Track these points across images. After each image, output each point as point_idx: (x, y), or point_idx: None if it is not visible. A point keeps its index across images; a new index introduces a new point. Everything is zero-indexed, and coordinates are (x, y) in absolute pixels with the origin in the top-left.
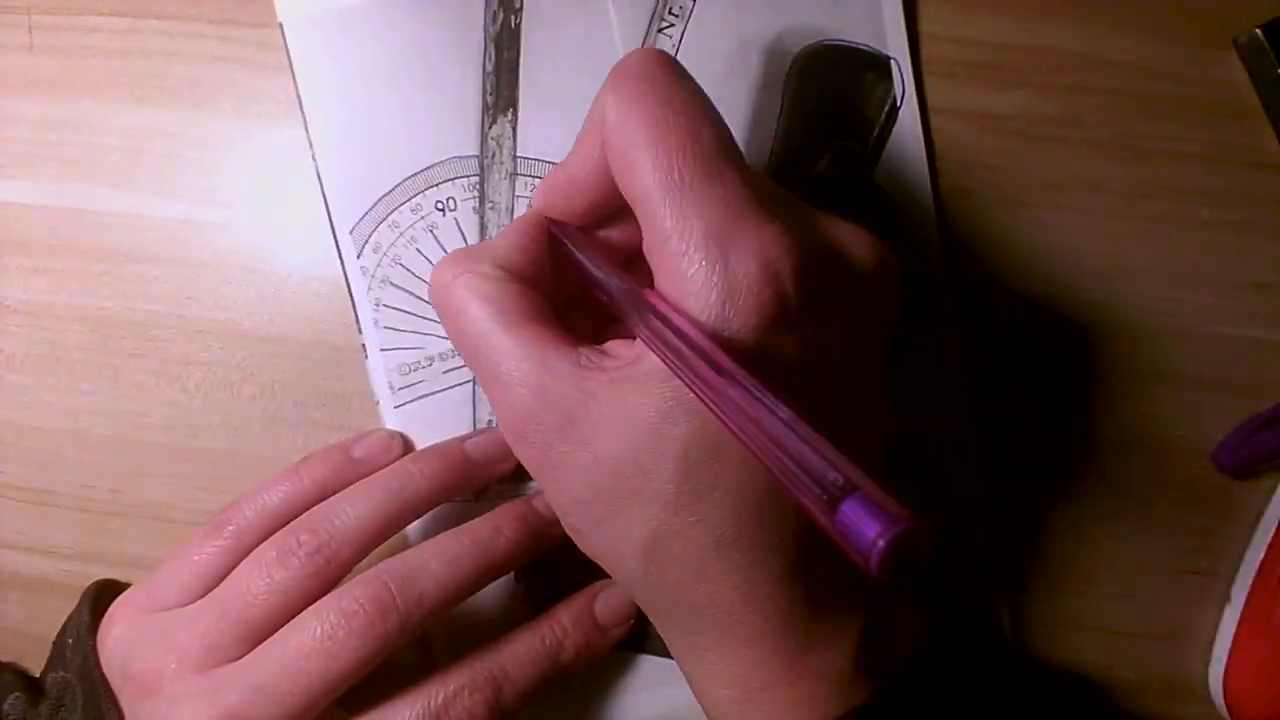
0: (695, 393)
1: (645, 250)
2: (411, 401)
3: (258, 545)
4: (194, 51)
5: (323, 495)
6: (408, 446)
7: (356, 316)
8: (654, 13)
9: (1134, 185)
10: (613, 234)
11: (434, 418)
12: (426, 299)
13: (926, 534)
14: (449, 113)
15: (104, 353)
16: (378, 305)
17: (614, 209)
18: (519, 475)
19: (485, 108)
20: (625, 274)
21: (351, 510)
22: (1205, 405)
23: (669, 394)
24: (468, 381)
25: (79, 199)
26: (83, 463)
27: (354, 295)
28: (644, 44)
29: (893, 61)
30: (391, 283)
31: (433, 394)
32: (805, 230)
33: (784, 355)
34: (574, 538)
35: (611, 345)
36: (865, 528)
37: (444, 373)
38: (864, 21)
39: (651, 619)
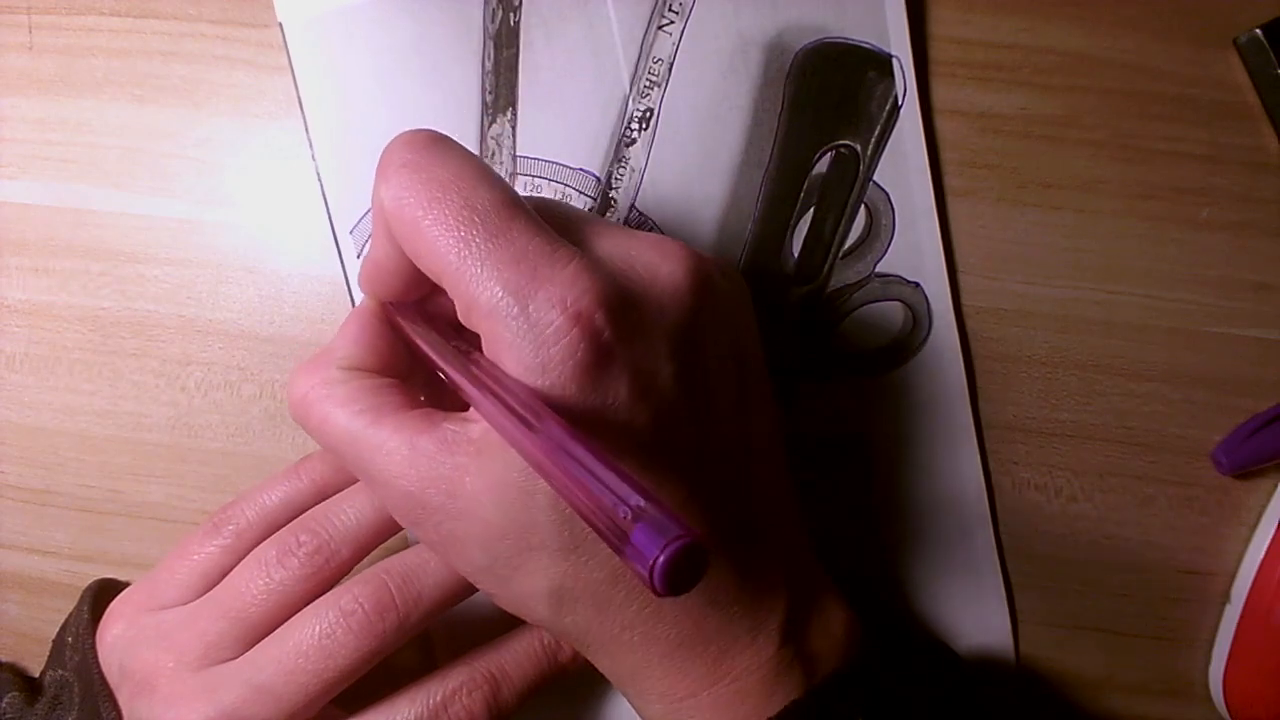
0: (517, 449)
1: (461, 320)
2: None
3: (257, 545)
4: (194, 51)
5: (322, 495)
6: None
7: None
8: (653, 10)
9: (1134, 185)
10: (445, 301)
11: None
12: None
13: (702, 548)
14: (448, 112)
15: (104, 353)
16: None
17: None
18: None
19: (484, 107)
20: (459, 340)
21: (351, 510)
22: (1205, 405)
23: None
24: None
25: (79, 199)
26: (83, 463)
27: (354, 296)
28: (644, 42)
29: (894, 60)
30: None
31: None
32: (606, 263)
33: (615, 390)
34: (490, 599)
35: (473, 411)
36: (647, 551)
37: None
38: (865, 19)
39: (580, 652)
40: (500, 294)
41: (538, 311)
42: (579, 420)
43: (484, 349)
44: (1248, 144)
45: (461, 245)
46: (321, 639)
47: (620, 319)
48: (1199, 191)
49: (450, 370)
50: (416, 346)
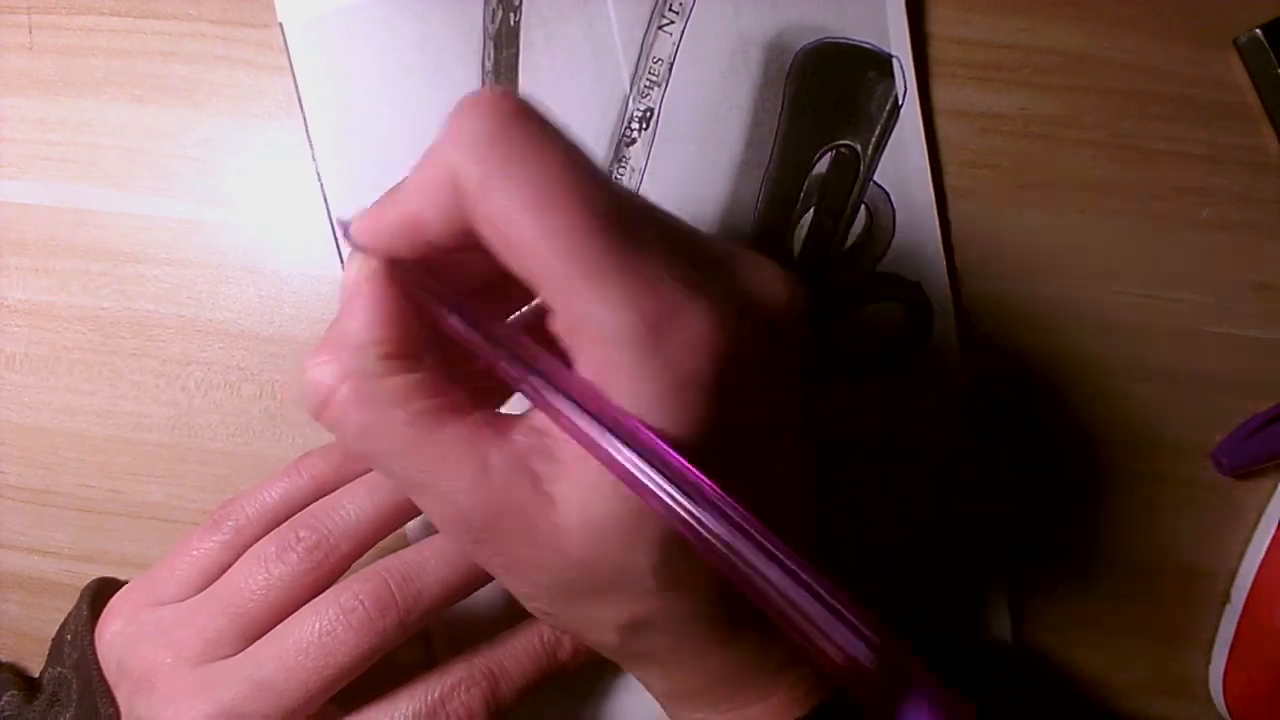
0: (673, 521)
1: (558, 331)
2: None
3: (257, 541)
4: (194, 51)
5: (321, 492)
6: None
7: None
8: (653, 10)
9: (1134, 185)
10: (465, 263)
11: None
12: None
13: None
14: (449, 110)
15: (104, 353)
16: None
17: (467, 250)
18: None
19: None
20: (525, 341)
21: (351, 506)
22: (1205, 405)
23: (638, 501)
24: None
25: (79, 199)
26: (83, 463)
27: None
28: (644, 42)
29: (894, 60)
30: None
31: None
32: (730, 295)
33: (733, 437)
34: (539, 616)
35: (542, 418)
36: None
37: None
38: (865, 19)
39: (628, 666)
40: (625, 322)
41: (672, 350)
42: (701, 464)
43: (580, 367)
44: (1248, 144)
45: (579, 255)
46: (321, 636)
47: (747, 360)
48: (1199, 191)
49: (526, 385)
50: (463, 342)
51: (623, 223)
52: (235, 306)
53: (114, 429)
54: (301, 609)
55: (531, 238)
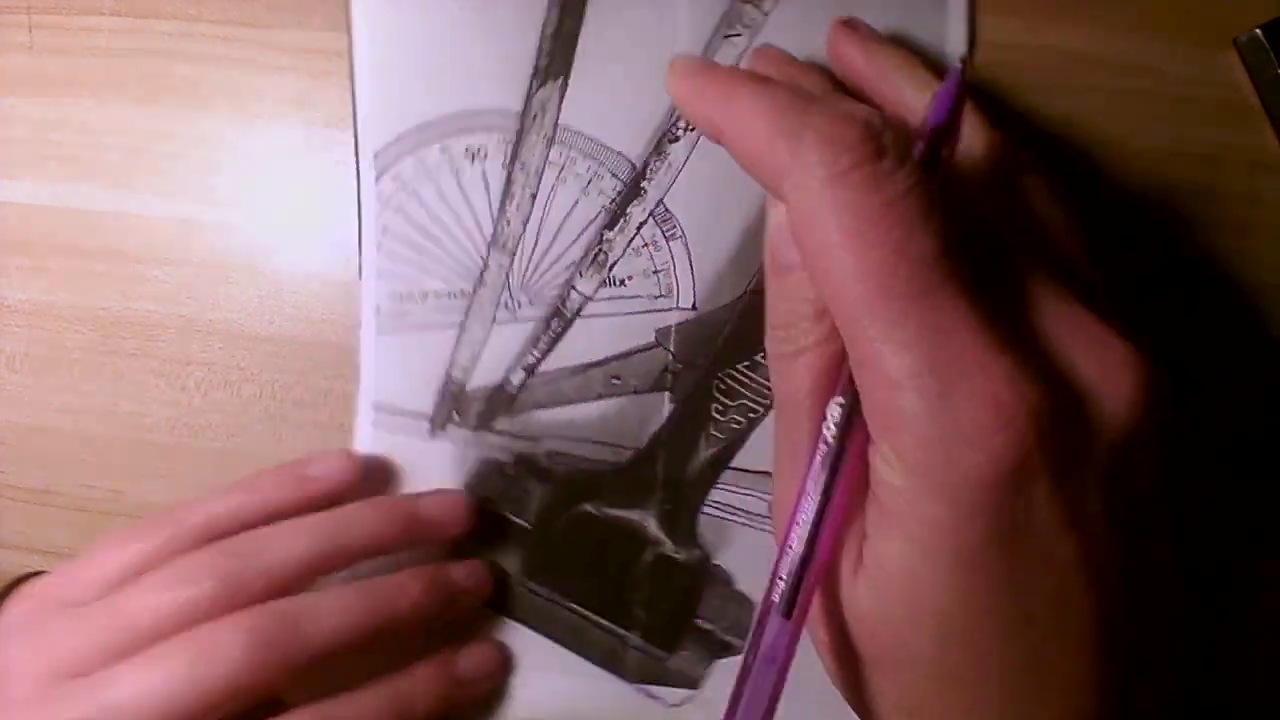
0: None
1: (851, 365)
2: (394, 333)
3: (186, 553)
4: (194, 51)
5: (271, 517)
6: (366, 468)
7: (360, 237)
8: (722, 18)
9: (1133, 185)
10: None
11: (410, 355)
12: (434, 242)
13: None
14: (500, 64)
15: (104, 353)
16: (385, 231)
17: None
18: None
19: (536, 69)
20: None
21: (280, 546)
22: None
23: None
24: (452, 325)
25: (79, 199)
26: (83, 463)
27: (362, 215)
28: (706, 49)
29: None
30: (404, 213)
31: (416, 328)
32: (1044, 366)
33: (1023, 522)
34: (833, 679)
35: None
36: None
37: (434, 311)
38: (927, 25)
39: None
40: (912, 367)
41: (959, 401)
42: (987, 543)
43: (865, 407)
44: (1248, 144)
45: (878, 293)
46: (190, 665)
47: (1053, 442)
48: (1199, 191)
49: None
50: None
51: (932, 270)
52: (235, 306)
53: (114, 429)
54: (180, 635)
55: (837, 262)
